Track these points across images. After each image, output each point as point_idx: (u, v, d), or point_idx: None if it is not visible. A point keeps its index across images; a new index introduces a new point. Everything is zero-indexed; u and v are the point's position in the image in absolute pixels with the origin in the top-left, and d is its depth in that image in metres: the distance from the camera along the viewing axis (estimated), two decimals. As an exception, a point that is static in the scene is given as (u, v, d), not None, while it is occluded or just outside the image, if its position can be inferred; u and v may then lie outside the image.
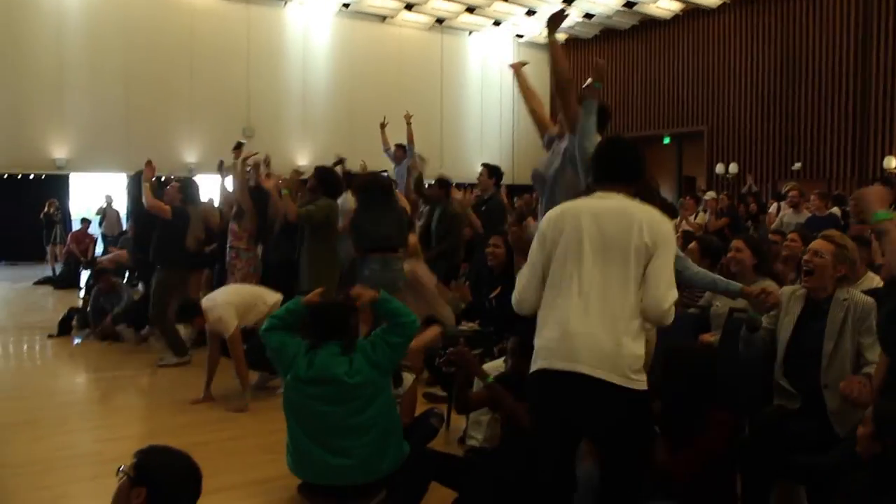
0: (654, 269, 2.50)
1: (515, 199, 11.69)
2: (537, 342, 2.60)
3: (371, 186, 5.95)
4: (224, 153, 15.14)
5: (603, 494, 2.65)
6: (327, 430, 3.38)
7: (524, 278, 2.70)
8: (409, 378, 4.12)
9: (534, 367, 2.59)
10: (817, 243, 3.44)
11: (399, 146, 9.02)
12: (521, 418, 3.00)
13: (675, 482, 2.83)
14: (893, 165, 13.77)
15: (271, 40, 17.10)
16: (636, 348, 2.48)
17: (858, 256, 3.63)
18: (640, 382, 2.48)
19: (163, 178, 8.96)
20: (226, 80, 16.38)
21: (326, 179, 6.20)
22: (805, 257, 3.44)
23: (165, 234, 6.69)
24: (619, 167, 2.74)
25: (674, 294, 2.52)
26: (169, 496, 2.09)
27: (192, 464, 2.19)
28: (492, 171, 7.90)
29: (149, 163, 6.80)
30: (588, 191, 2.93)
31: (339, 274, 6.16)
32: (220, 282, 7.50)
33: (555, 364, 2.50)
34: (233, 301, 5.40)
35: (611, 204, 2.62)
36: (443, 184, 7.60)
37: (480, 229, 7.46)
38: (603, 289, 2.50)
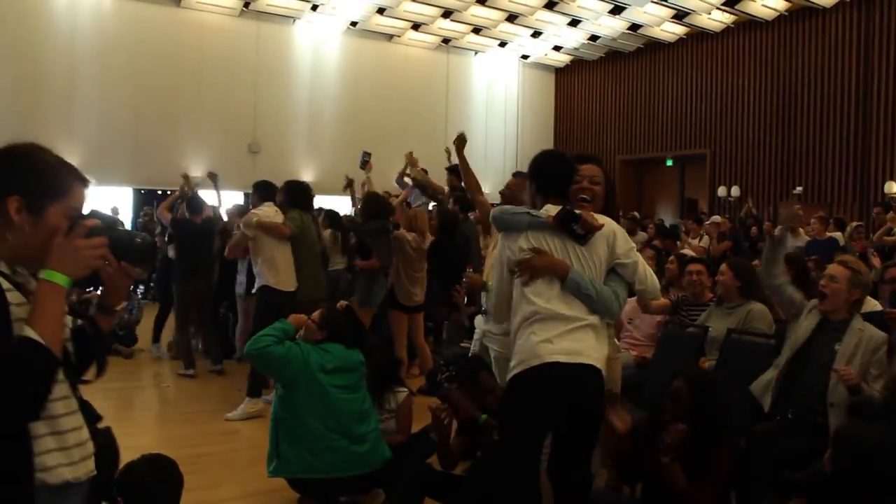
0: None
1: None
2: None
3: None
4: (229, 169, 15.39)
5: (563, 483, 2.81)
6: (349, 418, 3.62)
7: None
8: (402, 392, 4.18)
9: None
10: (833, 268, 3.53)
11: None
12: None
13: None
14: (894, 190, 13.83)
15: (280, 57, 17.24)
16: None
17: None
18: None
19: (168, 192, 9.00)
20: (233, 96, 16.50)
21: (286, 192, 6.17)
22: (821, 282, 3.53)
23: (185, 246, 6.95)
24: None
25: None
26: (143, 502, 2.37)
27: (166, 473, 2.39)
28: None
29: (185, 175, 6.83)
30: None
31: (318, 273, 6.25)
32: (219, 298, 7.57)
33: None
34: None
35: None
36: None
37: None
38: None
